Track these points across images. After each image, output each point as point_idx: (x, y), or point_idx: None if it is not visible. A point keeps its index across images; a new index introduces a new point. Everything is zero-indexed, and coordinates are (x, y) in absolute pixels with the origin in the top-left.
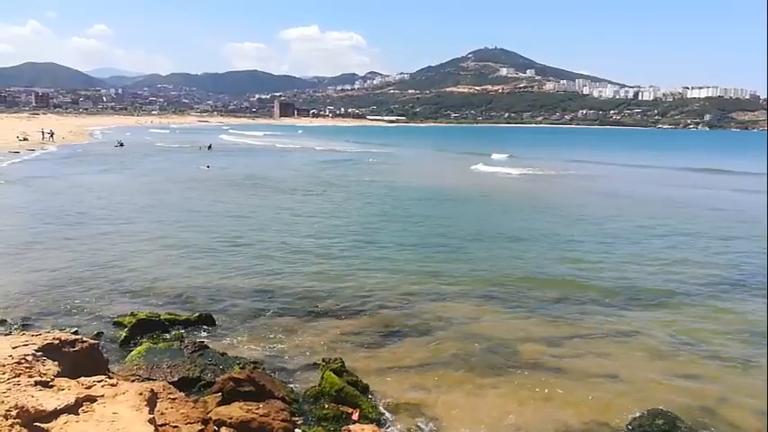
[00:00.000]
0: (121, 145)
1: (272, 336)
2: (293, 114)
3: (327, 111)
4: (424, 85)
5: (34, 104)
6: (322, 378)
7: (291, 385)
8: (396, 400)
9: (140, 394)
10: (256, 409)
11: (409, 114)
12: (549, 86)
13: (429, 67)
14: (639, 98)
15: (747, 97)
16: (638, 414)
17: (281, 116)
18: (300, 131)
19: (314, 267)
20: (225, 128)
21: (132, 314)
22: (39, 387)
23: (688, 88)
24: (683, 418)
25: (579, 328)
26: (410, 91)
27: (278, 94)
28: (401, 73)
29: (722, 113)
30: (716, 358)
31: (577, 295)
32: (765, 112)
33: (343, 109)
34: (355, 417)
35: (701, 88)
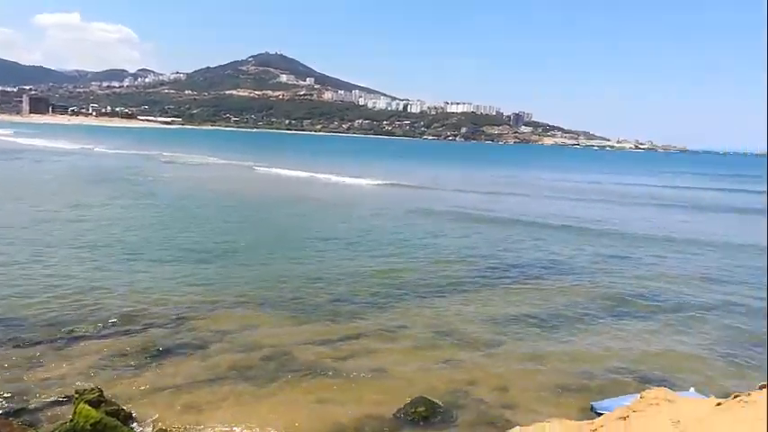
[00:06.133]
0: None
1: (12, 371)
2: (47, 111)
3: (91, 109)
4: (202, 87)
5: None
6: (74, 412)
7: (36, 426)
8: (164, 424)
9: None
10: None
11: (186, 116)
12: (327, 95)
13: (208, 67)
14: (408, 110)
15: (494, 114)
16: (402, 405)
17: (31, 113)
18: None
19: (67, 285)
20: None
21: None
22: None
23: (448, 103)
24: (440, 403)
25: (350, 327)
26: (187, 92)
27: (28, 87)
28: (177, 72)
29: (475, 127)
30: (466, 345)
31: (348, 296)
32: (507, 126)
33: (110, 107)
34: None
35: (458, 104)
